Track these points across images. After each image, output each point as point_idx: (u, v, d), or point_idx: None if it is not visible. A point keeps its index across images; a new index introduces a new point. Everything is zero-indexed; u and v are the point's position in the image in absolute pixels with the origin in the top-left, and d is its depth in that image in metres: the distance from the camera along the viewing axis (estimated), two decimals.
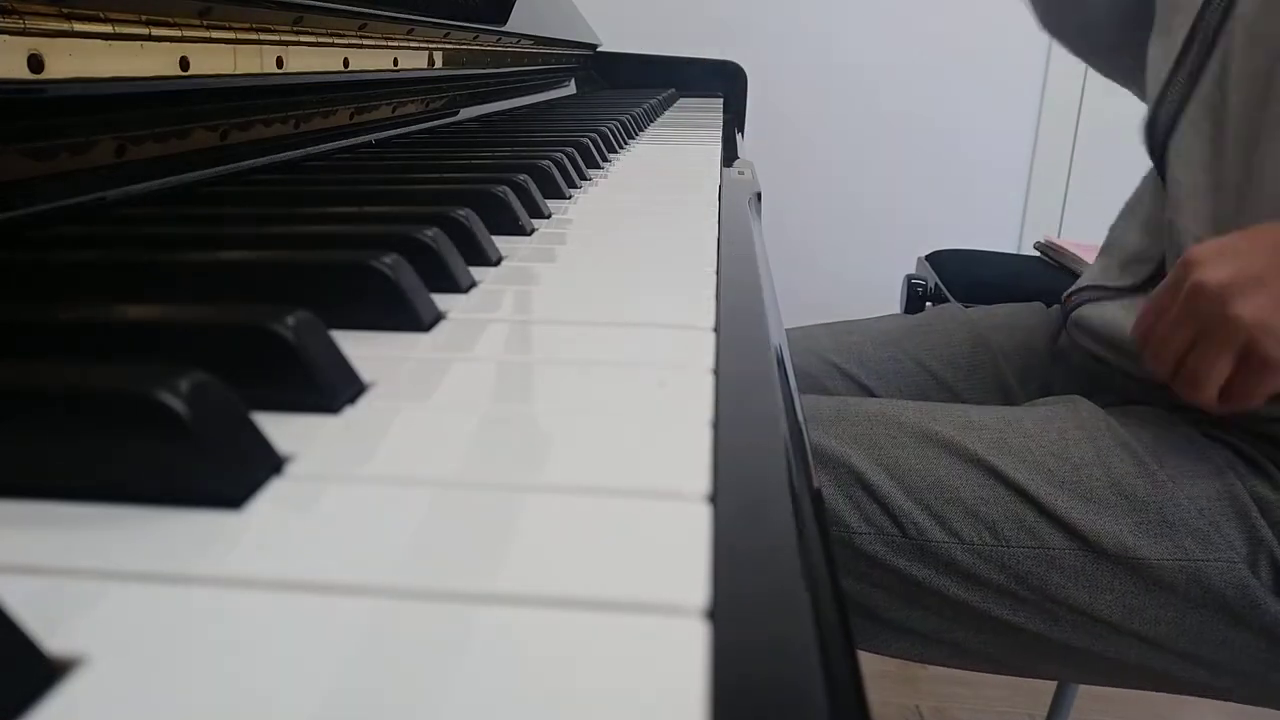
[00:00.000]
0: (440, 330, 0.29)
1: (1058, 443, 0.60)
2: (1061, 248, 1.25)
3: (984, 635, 0.60)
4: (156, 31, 0.43)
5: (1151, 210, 0.72)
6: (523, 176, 0.48)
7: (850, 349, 0.80)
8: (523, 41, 1.13)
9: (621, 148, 0.81)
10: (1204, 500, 0.57)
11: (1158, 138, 0.69)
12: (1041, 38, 0.90)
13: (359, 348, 0.25)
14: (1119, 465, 0.58)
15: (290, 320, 0.22)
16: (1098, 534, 0.57)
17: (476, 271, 0.35)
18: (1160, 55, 0.69)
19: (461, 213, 0.37)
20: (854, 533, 0.59)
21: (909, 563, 0.58)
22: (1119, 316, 0.70)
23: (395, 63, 0.73)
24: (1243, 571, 0.56)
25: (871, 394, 0.79)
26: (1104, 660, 0.60)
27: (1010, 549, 0.58)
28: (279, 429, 0.20)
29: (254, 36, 0.51)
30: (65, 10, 0.37)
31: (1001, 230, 1.98)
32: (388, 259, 0.28)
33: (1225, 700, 0.62)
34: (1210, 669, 0.59)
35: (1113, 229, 0.78)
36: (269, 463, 0.19)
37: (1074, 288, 0.77)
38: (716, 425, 0.21)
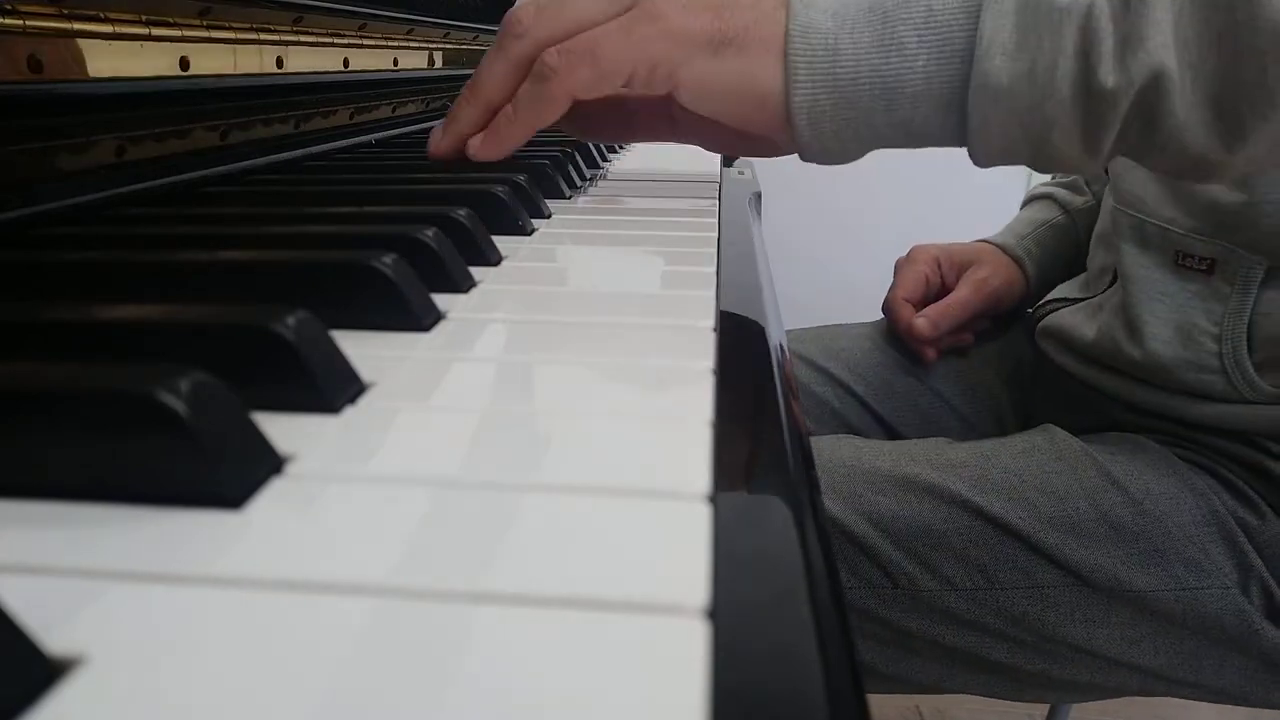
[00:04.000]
0: (440, 330, 0.29)
1: (1039, 476, 0.59)
2: None
3: (983, 677, 0.59)
4: (156, 31, 0.43)
5: (1105, 223, 0.72)
6: (523, 176, 0.48)
7: (838, 355, 0.80)
8: None
9: (621, 147, 0.81)
10: (1191, 527, 0.57)
11: None
12: None
13: (359, 348, 0.25)
14: (1104, 496, 0.57)
15: (290, 320, 0.22)
16: (1090, 568, 0.55)
17: (476, 271, 0.35)
18: None
19: (461, 213, 0.37)
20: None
21: (902, 614, 0.57)
22: (1075, 321, 0.70)
23: (395, 63, 0.73)
24: (1237, 596, 0.55)
25: (859, 399, 0.78)
26: (1105, 689, 0.59)
27: (1004, 590, 0.56)
28: (279, 429, 0.20)
29: (254, 36, 0.51)
30: (65, 10, 0.37)
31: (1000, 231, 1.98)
32: (387, 259, 0.28)
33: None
34: (1212, 693, 0.59)
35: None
36: (269, 462, 0.19)
37: (1041, 301, 0.78)
38: (716, 425, 0.21)
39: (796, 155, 0.49)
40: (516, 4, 0.48)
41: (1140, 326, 0.62)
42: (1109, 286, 0.68)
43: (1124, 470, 0.59)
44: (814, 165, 0.49)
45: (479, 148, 0.50)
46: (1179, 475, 0.59)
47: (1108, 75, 0.39)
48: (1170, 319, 0.61)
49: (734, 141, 0.51)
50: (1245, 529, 0.57)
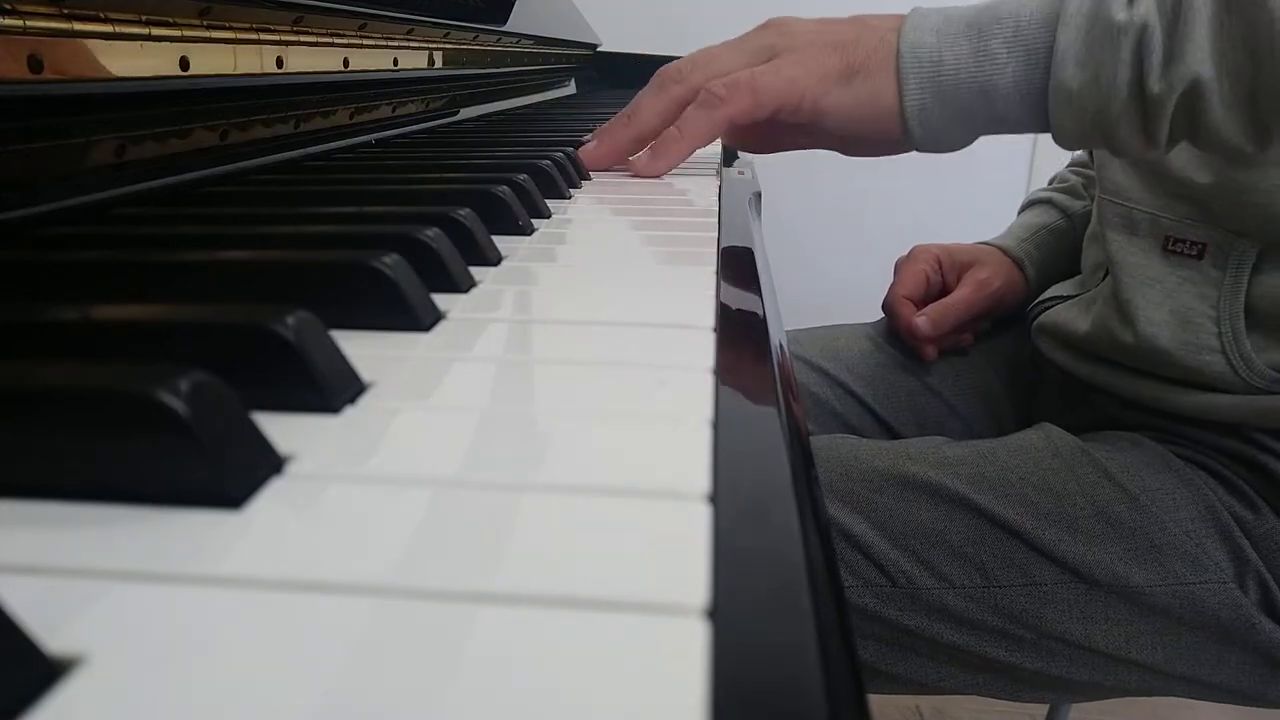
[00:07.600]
0: (440, 330, 0.29)
1: (1036, 473, 0.59)
2: None
3: (981, 676, 0.59)
4: (156, 31, 0.43)
5: (1094, 218, 0.72)
6: (523, 176, 0.48)
7: (837, 355, 0.80)
8: (523, 41, 1.13)
9: None
10: (1188, 522, 0.57)
11: None
12: None
13: (359, 348, 0.25)
14: (1102, 493, 0.58)
15: (290, 320, 0.22)
16: (1089, 564, 0.56)
17: (477, 271, 0.35)
18: None
19: (461, 213, 0.37)
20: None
21: (900, 613, 0.57)
22: (1069, 316, 0.70)
23: (395, 63, 0.73)
24: (1234, 591, 0.56)
25: (858, 399, 0.78)
26: (1104, 688, 0.59)
27: (1002, 588, 0.57)
28: (279, 429, 0.20)
29: (254, 36, 0.51)
30: (65, 10, 0.37)
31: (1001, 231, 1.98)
32: (388, 259, 0.28)
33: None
34: (1210, 688, 0.59)
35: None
36: (269, 462, 0.19)
37: (1037, 300, 0.78)
38: (716, 425, 0.21)
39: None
40: (670, 63, 0.59)
41: (1133, 311, 0.63)
42: (1102, 281, 0.69)
43: (1121, 467, 0.59)
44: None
45: (645, 165, 0.59)
46: (1175, 472, 0.59)
47: (1155, 83, 0.46)
48: (1164, 304, 0.62)
49: (858, 145, 0.58)
50: (1241, 524, 0.57)
